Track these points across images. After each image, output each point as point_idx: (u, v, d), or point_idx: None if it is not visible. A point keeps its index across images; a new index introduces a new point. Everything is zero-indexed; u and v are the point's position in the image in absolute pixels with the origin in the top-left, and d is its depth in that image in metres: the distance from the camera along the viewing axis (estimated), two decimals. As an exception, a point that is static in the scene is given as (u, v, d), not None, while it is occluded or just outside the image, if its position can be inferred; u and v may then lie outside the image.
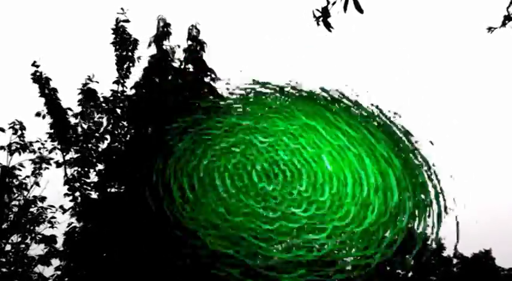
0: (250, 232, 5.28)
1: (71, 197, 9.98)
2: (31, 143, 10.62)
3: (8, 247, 10.28)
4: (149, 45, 10.65)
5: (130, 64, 10.81)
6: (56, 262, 10.13)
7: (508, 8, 6.25)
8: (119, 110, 10.55)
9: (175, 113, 5.94)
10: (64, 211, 10.20)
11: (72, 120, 10.40)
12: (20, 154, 10.57)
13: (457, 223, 5.57)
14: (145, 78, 10.53)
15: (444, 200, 5.41)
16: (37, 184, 10.54)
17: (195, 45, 10.73)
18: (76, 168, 10.13)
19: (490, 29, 6.69)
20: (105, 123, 10.44)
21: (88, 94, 10.47)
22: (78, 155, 10.20)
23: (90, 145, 10.27)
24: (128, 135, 10.34)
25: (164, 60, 10.63)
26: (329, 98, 5.64)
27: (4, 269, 10.10)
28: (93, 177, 10.18)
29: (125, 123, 10.43)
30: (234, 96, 5.78)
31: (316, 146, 5.53)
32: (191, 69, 10.71)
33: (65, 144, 10.25)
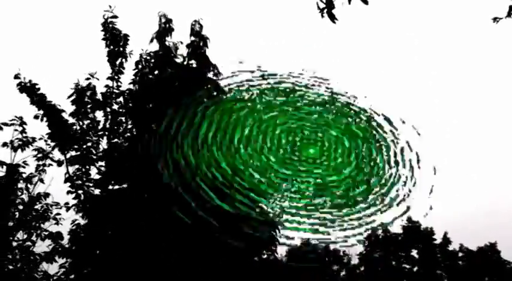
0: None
1: (73, 195, 10.00)
2: (34, 139, 10.63)
3: (14, 244, 10.28)
4: (151, 41, 10.63)
5: (123, 60, 10.84)
6: (61, 260, 10.14)
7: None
8: (115, 106, 10.57)
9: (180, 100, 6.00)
10: (68, 208, 10.22)
11: (70, 120, 10.43)
12: (22, 150, 10.58)
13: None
14: (147, 73, 10.53)
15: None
16: (41, 180, 10.55)
17: (198, 41, 10.69)
18: (77, 166, 10.16)
19: (495, 19, 6.65)
20: (102, 120, 10.48)
21: (81, 93, 10.50)
22: (78, 153, 10.24)
23: (89, 143, 10.30)
24: (128, 132, 10.34)
25: (167, 57, 10.61)
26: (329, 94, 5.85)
27: (10, 267, 10.12)
28: (94, 174, 10.22)
29: (123, 119, 10.45)
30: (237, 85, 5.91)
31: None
32: (194, 65, 10.68)
33: (63, 144, 10.29)
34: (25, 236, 10.32)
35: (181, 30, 10.84)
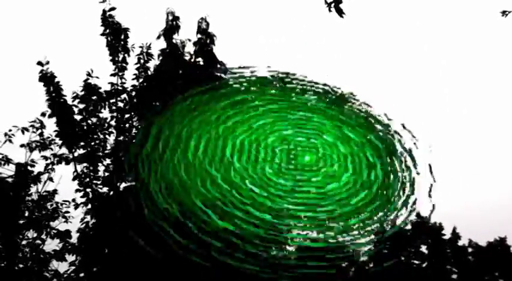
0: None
1: (82, 193, 10.00)
2: (50, 142, 10.63)
3: (24, 243, 10.33)
4: (158, 38, 10.61)
5: (126, 55, 10.65)
6: (70, 258, 10.17)
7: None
8: (121, 104, 10.50)
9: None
10: (76, 206, 10.23)
11: (78, 117, 10.39)
12: (40, 151, 10.61)
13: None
14: (156, 71, 10.52)
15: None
16: (51, 179, 10.59)
17: (205, 38, 10.68)
18: (85, 164, 10.13)
19: (504, 12, 6.61)
20: (109, 118, 10.43)
21: (89, 90, 10.42)
22: (85, 151, 10.19)
23: (97, 141, 10.26)
24: (134, 129, 10.31)
25: (174, 54, 10.61)
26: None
27: (21, 265, 10.17)
28: (102, 172, 10.21)
29: (127, 116, 10.40)
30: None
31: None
32: (201, 63, 10.67)
33: (71, 141, 10.24)
34: (35, 234, 10.38)
35: (188, 28, 10.84)
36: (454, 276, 27.37)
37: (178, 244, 5.42)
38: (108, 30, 10.64)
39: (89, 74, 10.56)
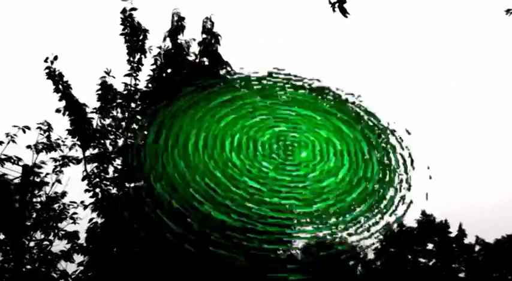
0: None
1: (91, 193, 9.99)
2: (58, 144, 10.65)
3: (32, 244, 10.38)
4: (164, 39, 10.61)
5: (142, 56, 10.63)
6: (78, 258, 10.20)
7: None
8: (133, 105, 10.49)
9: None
10: (85, 207, 10.24)
11: (91, 116, 10.38)
12: (46, 153, 10.64)
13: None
14: (159, 72, 10.52)
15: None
16: (59, 181, 10.62)
17: (210, 38, 10.67)
18: (96, 164, 10.11)
19: (508, 11, 6.61)
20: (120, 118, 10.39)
21: (106, 89, 10.40)
22: (97, 151, 10.16)
23: (108, 141, 10.23)
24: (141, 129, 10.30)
25: (179, 55, 10.61)
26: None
27: (28, 266, 10.22)
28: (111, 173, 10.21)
29: (139, 117, 10.38)
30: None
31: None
32: (206, 63, 10.66)
33: (84, 140, 10.20)
34: (42, 236, 10.42)
35: (192, 28, 10.84)
36: (462, 275, 27.28)
37: (177, 235, 5.48)
38: (127, 30, 10.63)
39: (106, 73, 10.55)
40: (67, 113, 10.21)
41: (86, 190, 10.01)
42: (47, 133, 10.68)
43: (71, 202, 10.56)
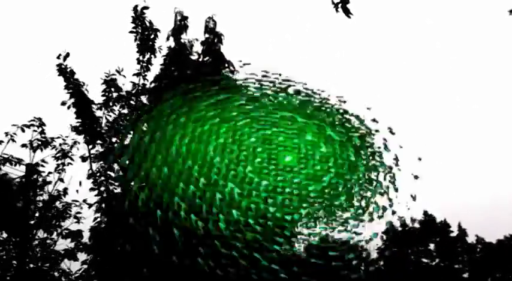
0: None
1: (96, 192, 9.98)
2: (52, 139, 10.68)
3: (35, 243, 10.39)
4: (167, 39, 10.62)
5: (152, 55, 10.63)
6: (82, 256, 10.21)
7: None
8: (139, 102, 10.48)
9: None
10: (90, 205, 10.23)
11: (97, 114, 10.38)
12: (42, 150, 10.64)
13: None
14: (164, 71, 10.52)
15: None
16: (61, 180, 10.62)
17: (213, 38, 10.67)
18: (101, 162, 10.11)
19: (511, 11, 6.60)
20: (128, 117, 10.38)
21: (111, 84, 10.39)
22: (103, 149, 10.17)
23: (114, 139, 10.22)
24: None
25: (182, 54, 10.61)
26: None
27: (32, 265, 10.23)
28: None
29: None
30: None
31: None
32: (209, 62, 10.66)
33: (90, 136, 10.19)
34: (45, 234, 10.43)
35: (195, 27, 10.85)
36: (465, 275, 27.23)
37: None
38: (138, 29, 10.62)
39: (118, 72, 10.56)
40: (75, 110, 10.20)
41: (91, 189, 10.00)
42: (40, 128, 10.68)
43: (73, 200, 10.56)
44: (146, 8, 10.67)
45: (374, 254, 28.59)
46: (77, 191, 10.46)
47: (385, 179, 5.50)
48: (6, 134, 10.46)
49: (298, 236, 5.88)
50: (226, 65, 10.49)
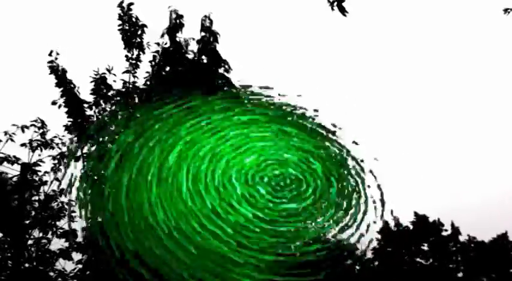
0: None
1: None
2: (52, 140, 10.64)
3: (30, 242, 10.37)
4: (162, 36, 10.58)
5: (140, 52, 10.58)
6: (77, 256, 10.18)
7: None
8: (132, 102, 10.44)
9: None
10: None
11: (88, 113, 10.34)
12: (41, 150, 10.61)
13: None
14: (158, 70, 10.50)
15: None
16: (57, 179, 10.60)
17: (209, 37, 10.65)
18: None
19: (506, 10, 6.61)
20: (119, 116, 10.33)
21: (100, 83, 10.35)
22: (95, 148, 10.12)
23: (106, 138, 10.17)
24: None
25: (178, 53, 10.59)
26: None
27: (27, 265, 10.21)
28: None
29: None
30: None
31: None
32: (205, 61, 10.64)
33: (82, 136, 10.18)
34: (41, 234, 10.41)
35: (191, 26, 10.82)
36: (459, 274, 27.28)
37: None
38: (124, 26, 10.57)
39: (108, 70, 10.49)
40: (66, 109, 10.18)
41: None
42: (41, 130, 10.65)
43: (69, 200, 10.54)
44: (131, 3, 10.61)
45: (369, 254, 28.61)
46: (71, 191, 10.40)
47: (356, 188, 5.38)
48: (5, 133, 10.44)
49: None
50: (222, 64, 10.48)
